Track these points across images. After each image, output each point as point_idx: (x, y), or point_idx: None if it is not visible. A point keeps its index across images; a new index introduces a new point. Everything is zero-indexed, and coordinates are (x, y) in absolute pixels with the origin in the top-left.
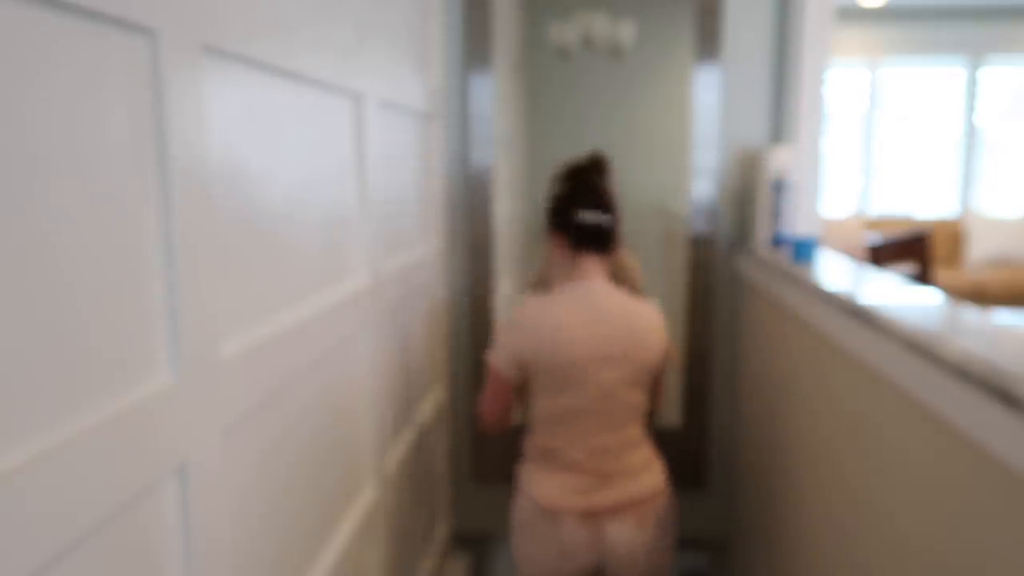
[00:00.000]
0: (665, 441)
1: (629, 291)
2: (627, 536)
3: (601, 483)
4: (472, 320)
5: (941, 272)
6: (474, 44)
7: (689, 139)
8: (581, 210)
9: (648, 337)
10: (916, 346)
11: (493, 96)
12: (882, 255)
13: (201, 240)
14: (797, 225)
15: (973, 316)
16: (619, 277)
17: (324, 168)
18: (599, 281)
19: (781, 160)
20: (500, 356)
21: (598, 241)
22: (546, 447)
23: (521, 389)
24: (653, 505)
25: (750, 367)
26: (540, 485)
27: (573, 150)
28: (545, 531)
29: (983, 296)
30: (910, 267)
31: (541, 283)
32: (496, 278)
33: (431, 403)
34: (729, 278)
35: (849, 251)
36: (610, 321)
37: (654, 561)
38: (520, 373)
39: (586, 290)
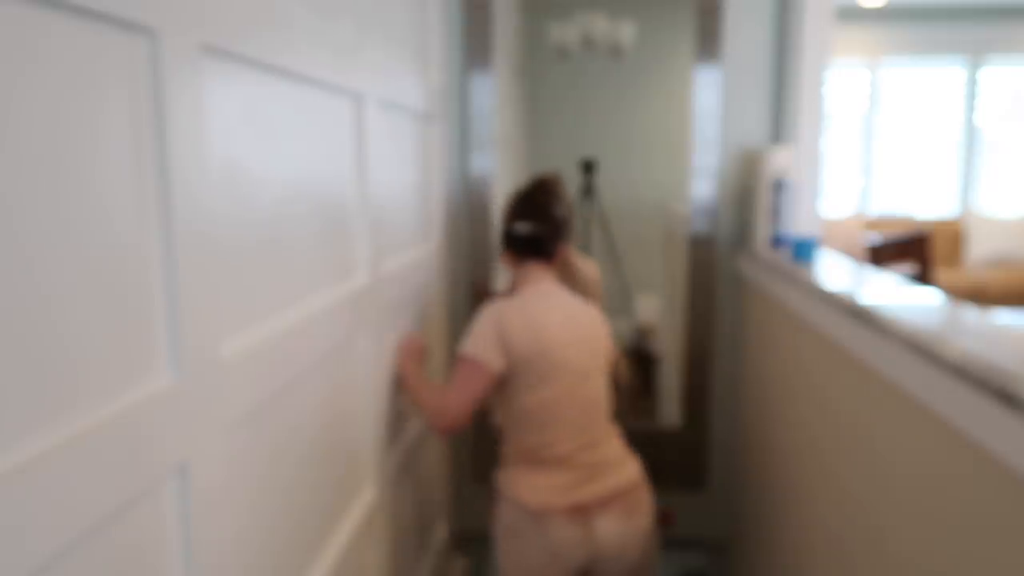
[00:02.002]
0: (665, 441)
1: (586, 299)
2: (617, 529)
3: (587, 477)
4: (471, 320)
5: (941, 272)
6: (474, 44)
7: (689, 139)
8: (516, 223)
9: (603, 332)
10: (916, 346)
11: (493, 96)
12: (882, 255)
13: (201, 239)
14: (797, 225)
15: (973, 316)
16: (578, 286)
17: (324, 168)
18: (551, 284)
19: (781, 160)
20: (485, 345)
21: (536, 249)
22: (528, 447)
23: (498, 387)
24: (637, 495)
25: (750, 367)
26: (525, 487)
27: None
28: (534, 534)
29: (983, 296)
30: (910, 267)
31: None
32: (495, 278)
33: None
34: (729, 278)
35: (849, 251)
36: (573, 311)
37: (642, 552)
38: (506, 361)
39: (545, 291)
